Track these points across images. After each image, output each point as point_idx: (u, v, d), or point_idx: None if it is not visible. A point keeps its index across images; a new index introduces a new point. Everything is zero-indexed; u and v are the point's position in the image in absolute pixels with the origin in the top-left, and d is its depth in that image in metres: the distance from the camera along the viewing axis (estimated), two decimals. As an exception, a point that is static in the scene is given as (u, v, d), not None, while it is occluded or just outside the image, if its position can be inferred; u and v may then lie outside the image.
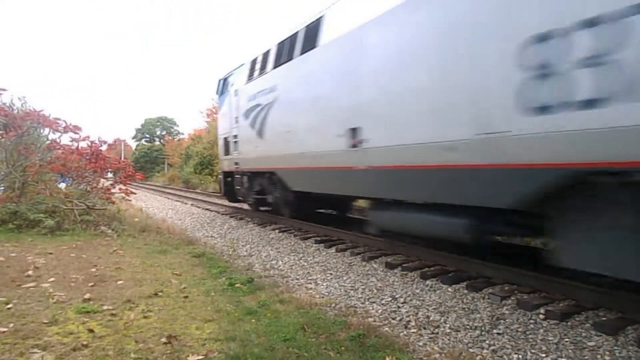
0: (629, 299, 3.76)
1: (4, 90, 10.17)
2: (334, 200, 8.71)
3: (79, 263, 5.82)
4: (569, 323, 3.65)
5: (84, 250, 6.71)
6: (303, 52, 7.50)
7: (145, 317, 3.82)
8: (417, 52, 4.95)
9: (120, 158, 18.32)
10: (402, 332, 3.76)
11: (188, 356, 3.06)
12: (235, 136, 10.54)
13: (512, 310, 4.00)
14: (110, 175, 12.74)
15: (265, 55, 9.11)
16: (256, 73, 9.47)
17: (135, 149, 59.38)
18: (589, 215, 3.52)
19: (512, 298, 4.25)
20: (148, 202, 17.10)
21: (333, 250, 6.86)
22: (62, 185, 11.49)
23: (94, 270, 5.47)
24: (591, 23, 3.24)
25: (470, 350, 3.36)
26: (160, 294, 4.54)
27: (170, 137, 55.65)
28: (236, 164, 10.70)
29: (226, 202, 13.04)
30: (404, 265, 5.59)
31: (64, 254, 6.37)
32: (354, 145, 6.06)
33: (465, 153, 4.34)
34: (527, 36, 3.69)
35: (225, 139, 11.44)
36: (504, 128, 3.93)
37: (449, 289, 4.68)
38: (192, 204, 15.54)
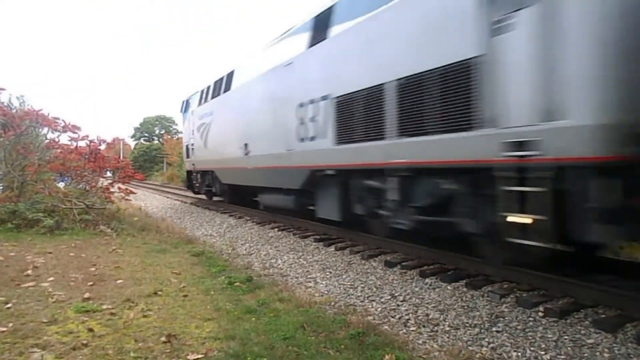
0: (627, 297, 3.77)
1: (2, 89, 10.16)
2: (249, 190, 10.90)
3: (78, 262, 5.82)
4: (568, 321, 3.66)
5: (83, 250, 6.70)
6: (224, 91, 11.62)
7: (144, 316, 3.83)
8: (262, 105, 9.21)
9: (119, 157, 18.31)
10: (402, 330, 3.77)
11: (188, 355, 3.06)
12: (192, 144, 14.47)
13: (511, 308, 4.00)
14: (109, 174, 12.73)
15: (208, 88, 13.11)
16: (203, 100, 13.45)
17: (134, 148, 59.27)
18: (322, 190, 7.44)
19: (511, 296, 4.26)
20: (147, 201, 17.08)
21: (332, 248, 6.87)
22: (61, 185, 11.48)
23: (93, 269, 5.47)
24: (311, 102, 7.24)
25: (470, 348, 3.37)
26: (159, 293, 4.54)
27: (169, 136, 55.52)
28: (193, 165, 14.64)
29: (226, 203, 13.16)
30: (403, 263, 5.59)
31: (63, 253, 6.37)
32: (246, 154, 9.93)
33: (282, 160, 8.31)
34: (297, 104, 7.68)
35: (187, 146, 15.32)
36: (293, 148, 7.87)
37: (448, 287, 4.69)
38: (191, 203, 15.54)
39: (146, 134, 63.39)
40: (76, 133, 10.37)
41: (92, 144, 10.51)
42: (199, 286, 4.92)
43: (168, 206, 15.28)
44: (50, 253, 6.29)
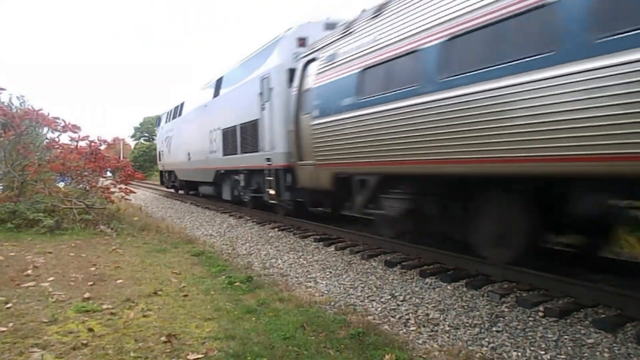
0: (627, 296, 3.77)
1: (3, 89, 10.16)
2: (194, 183, 16.01)
3: (79, 262, 5.82)
4: (568, 320, 3.66)
5: (83, 250, 6.70)
6: (178, 115, 17.00)
7: (144, 316, 3.83)
8: (196, 128, 14.43)
9: (119, 157, 18.45)
10: (402, 330, 3.77)
11: (188, 355, 3.06)
12: (162, 151, 20.08)
13: (511, 308, 4.00)
14: (109, 174, 12.74)
15: (171, 111, 18.49)
16: (168, 119, 18.96)
17: (134, 148, 59.24)
18: (222, 182, 12.71)
19: (511, 296, 4.26)
20: (147, 201, 17.09)
21: (332, 248, 6.87)
22: (61, 185, 11.49)
23: (93, 269, 5.47)
24: (214, 130, 12.58)
25: (470, 347, 3.37)
26: (159, 292, 4.54)
27: (170, 136, 55.48)
28: (163, 166, 20.41)
29: (226, 202, 13.29)
30: (403, 263, 5.59)
31: (63, 253, 6.37)
32: (189, 159, 15.12)
33: (204, 163, 13.59)
34: (209, 130, 12.96)
35: (159, 152, 21.07)
36: (208, 157, 13.13)
37: (449, 287, 4.69)
38: (191, 203, 15.54)
39: (146, 134, 63.34)
40: (76, 133, 10.39)
41: (92, 143, 10.52)
42: (199, 286, 4.92)
43: (168, 206, 15.28)
44: (50, 253, 6.29)
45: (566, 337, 3.38)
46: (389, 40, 5.58)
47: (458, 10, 4.57)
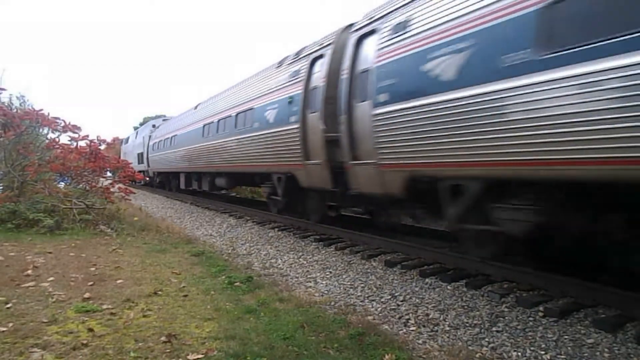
0: (627, 296, 3.77)
1: (3, 89, 10.17)
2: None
3: (79, 262, 5.82)
4: (568, 320, 3.66)
5: (83, 250, 6.70)
6: (152, 134, 22.38)
7: (144, 316, 3.83)
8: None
9: (119, 157, 18.47)
10: (402, 330, 3.77)
11: (188, 355, 3.06)
12: (144, 154, 23.54)
13: (511, 308, 4.00)
14: (109, 174, 12.73)
15: (149, 133, 23.25)
16: (156, 132, 22.20)
17: (134, 148, 59.24)
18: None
19: (511, 296, 4.26)
20: (147, 201, 17.08)
21: (332, 248, 6.87)
22: (61, 185, 11.48)
23: (93, 269, 5.47)
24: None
25: (470, 347, 3.37)
26: (159, 292, 4.54)
27: (169, 136, 55.45)
28: (149, 164, 22.97)
29: (226, 201, 13.30)
30: (403, 263, 5.59)
31: (63, 253, 6.37)
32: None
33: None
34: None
35: (140, 154, 24.25)
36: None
37: (448, 287, 4.69)
38: (191, 203, 15.55)
39: (146, 134, 63.16)
40: (76, 133, 10.38)
41: (92, 144, 10.52)
42: (199, 286, 4.92)
43: (168, 206, 15.27)
44: (50, 253, 6.29)
45: (566, 337, 3.39)
46: None
47: None
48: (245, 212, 11.47)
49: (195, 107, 16.10)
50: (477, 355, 3.23)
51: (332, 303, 4.49)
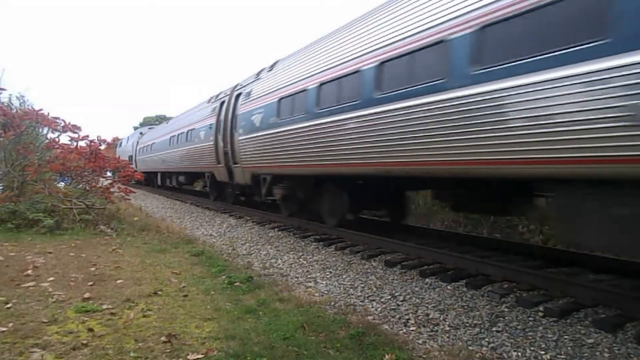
0: (627, 296, 3.77)
1: (3, 89, 10.17)
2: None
3: (79, 262, 5.82)
4: (568, 320, 3.66)
5: (83, 250, 6.70)
6: (141, 140, 25.76)
7: (144, 316, 3.83)
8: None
9: (119, 157, 18.60)
10: (402, 329, 3.77)
11: (188, 355, 3.06)
12: (133, 156, 26.16)
13: (511, 308, 4.00)
14: (109, 174, 12.73)
15: (139, 137, 26.58)
16: (142, 139, 25.32)
17: (134, 148, 59.26)
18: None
19: (511, 296, 4.26)
20: (147, 201, 17.08)
21: (332, 248, 6.87)
22: (61, 185, 11.48)
23: (93, 269, 5.47)
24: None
25: (470, 347, 3.37)
26: (159, 292, 4.54)
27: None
28: (136, 166, 24.60)
29: (226, 201, 13.38)
30: (403, 263, 5.59)
31: (63, 253, 6.37)
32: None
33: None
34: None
35: (130, 156, 26.31)
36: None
37: (448, 287, 4.69)
38: (191, 203, 15.54)
39: (146, 134, 63.20)
40: (76, 133, 10.38)
41: (92, 143, 10.51)
42: (199, 286, 4.92)
43: (168, 206, 15.27)
44: (50, 253, 6.29)
45: (566, 337, 3.39)
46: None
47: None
48: (245, 212, 11.47)
49: (167, 122, 22.45)
50: (477, 355, 3.23)
51: (332, 303, 4.49)
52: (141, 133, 27.64)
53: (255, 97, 9.60)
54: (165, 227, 9.41)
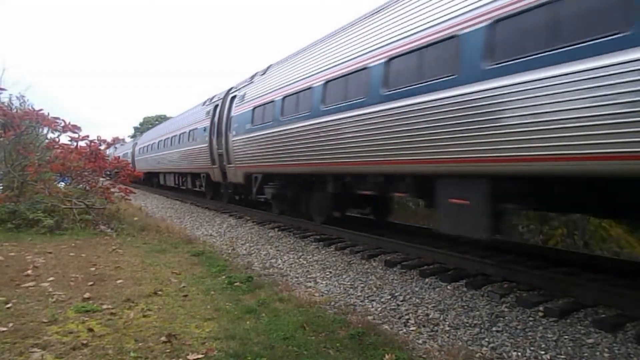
0: (627, 296, 3.77)
1: (3, 89, 10.16)
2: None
3: (79, 262, 5.82)
4: (568, 320, 3.66)
5: (83, 250, 6.70)
6: (138, 142, 27.43)
7: (144, 316, 3.82)
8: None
9: (119, 157, 18.70)
10: (402, 329, 3.77)
11: (188, 355, 3.06)
12: (135, 158, 26.21)
13: (511, 308, 4.00)
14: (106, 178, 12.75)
15: (134, 140, 30.16)
16: (138, 140, 27.70)
17: (134, 148, 59.28)
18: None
19: (511, 295, 4.26)
20: (147, 201, 17.08)
21: (332, 248, 6.87)
22: (61, 185, 11.47)
23: (93, 269, 5.46)
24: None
25: (470, 347, 3.37)
26: (159, 292, 4.54)
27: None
28: (135, 165, 24.29)
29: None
30: (403, 263, 5.59)
31: (63, 253, 6.36)
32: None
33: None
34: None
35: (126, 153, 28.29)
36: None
37: (448, 287, 4.69)
38: (191, 203, 15.55)
39: (146, 134, 63.16)
40: (76, 133, 10.38)
41: (92, 143, 10.52)
42: (199, 286, 4.91)
43: (168, 206, 15.27)
44: (50, 253, 6.28)
45: (566, 337, 3.39)
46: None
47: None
48: (245, 212, 11.47)
49: (164, 124, 23.23)
50: (477, 355, 3.23)
51: (332, 303, 4.49)
52: (141, 132, 29.93)
53: (249, 99, 10.08)
54: (165, 227, 9.41)
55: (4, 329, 3.41)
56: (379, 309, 4.28)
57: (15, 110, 11.38)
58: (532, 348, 3.28)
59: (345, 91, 6.49)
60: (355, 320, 3.85)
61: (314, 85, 7.30)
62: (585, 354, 3.13)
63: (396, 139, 5.37)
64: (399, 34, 5.44)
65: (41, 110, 10.11)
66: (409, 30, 5.29)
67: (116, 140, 12.96)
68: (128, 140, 34.35)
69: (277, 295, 4.61)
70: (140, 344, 3.22)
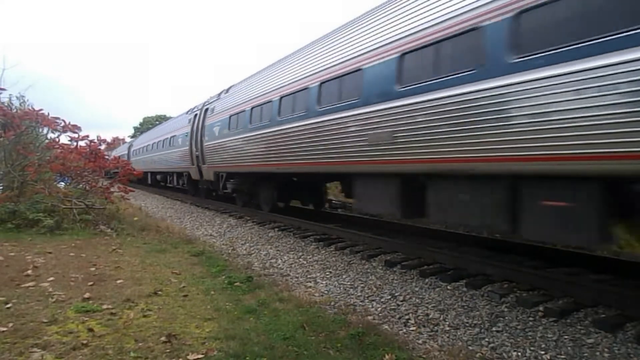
0: (627, 296, 3.77)
1: (3, 89, 10.17)
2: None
3: (78, 262, 5.82)
4: (568, 320, 3.66)
5: (83, 250, 6.70)
6: (133, 144, 30.65)
7: (144, 316, 3.83)
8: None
9: (119, 157, 18.92)
10: (402, 330, 3.77)
11: (188, 355, 3.06)
12: (132, 158, 27.06)
13: (511, 308, 4.00)
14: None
15: (130, 143, 33.71)
16: (134, 142, 30.95)
17: (134, 148, 59.31)
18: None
19: (511, 296, 4.26)
20: (147, 201, 17.08)
21: (332, 248, 6.87)
22: (61, 185, 11.47)
23: (93, 269, 5.47)
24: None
25: (470, 348, 3.37)
26: (159, 292, 4.54)
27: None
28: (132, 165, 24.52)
29: (226, 201, 13.40)
30: (403, 263, 5.59)
31: (63, 253, 6.36)
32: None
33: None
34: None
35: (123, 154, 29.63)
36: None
37: (448, 287, 4.69)
38: (191, 203, 15.55)
39: (146, 134, 63.19)
40: (76, 133, 10.39)
41: (92, 143, 10.52)
42: (199, 286, 4.92)
43: (168, 206, 15.27)
44: (50, 253, 6.28)
45: (566, 337, 3.39)
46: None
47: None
48: (245, 212, 11.47)
49: (156, 128, 25.24)
50: (477, 355, 3.23)
51: (332, 303, 4.49)
52: (141, 133, 31.61)
53: (217, 112, 12.40)
54: (165, 227, 9.41)
55: (4, 329, 3.41)
56: (379, 309, 4.28)
57: (15, 110, 11.37)
58: (532, 348, 3.28)
59: (293, 105, 7.98)
60: (355, 320, 3.85)
61: (273, 99, 8.76)
62: (585, 354, 3.13)
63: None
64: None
65: (41, 110, 10.12)
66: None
67: (116, 141, 13.02)
68: (128, 140, 35.85)
69: (277, 295, 4.61)
70: (140, 344, 3.22)
